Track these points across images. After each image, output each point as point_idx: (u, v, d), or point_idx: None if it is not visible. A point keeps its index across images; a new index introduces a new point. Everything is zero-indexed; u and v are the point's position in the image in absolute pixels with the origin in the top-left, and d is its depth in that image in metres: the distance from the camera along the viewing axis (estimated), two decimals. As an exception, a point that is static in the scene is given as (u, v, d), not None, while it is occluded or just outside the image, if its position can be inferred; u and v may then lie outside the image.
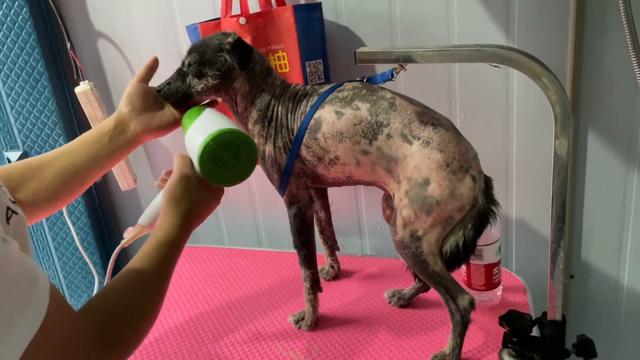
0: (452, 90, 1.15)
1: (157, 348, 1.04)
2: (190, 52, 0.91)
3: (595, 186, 1.14)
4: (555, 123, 0.71)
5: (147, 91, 0.90)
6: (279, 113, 0.92)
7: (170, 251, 0.70)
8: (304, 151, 0.91)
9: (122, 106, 0.89)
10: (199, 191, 0.77)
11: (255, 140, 0.96)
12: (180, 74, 0.92)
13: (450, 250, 0.83)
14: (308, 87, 0.94)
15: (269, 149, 0.94)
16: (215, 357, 0.99)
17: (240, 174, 0.76)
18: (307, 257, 0.99)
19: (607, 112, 1.07)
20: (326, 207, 1.13)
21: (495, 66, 0.73)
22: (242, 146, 0.74)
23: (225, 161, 0.73)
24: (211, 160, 0.73)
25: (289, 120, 0.92)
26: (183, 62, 0.92)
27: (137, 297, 0.63)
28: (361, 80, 0.91)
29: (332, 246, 1.18)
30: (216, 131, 0.72)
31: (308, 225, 0.97)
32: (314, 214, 0.99)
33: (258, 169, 1.36)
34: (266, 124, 0.93)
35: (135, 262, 0.66)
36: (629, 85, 1.03)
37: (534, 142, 1.14)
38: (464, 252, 0.83)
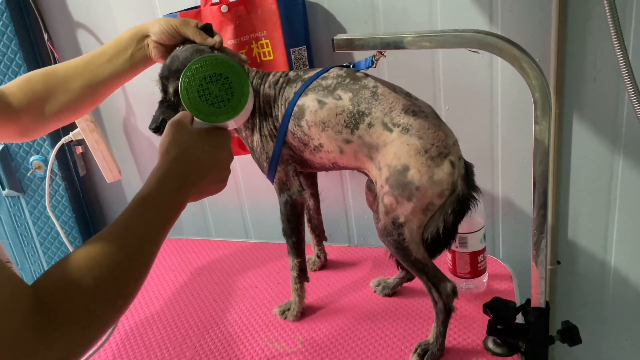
0: (436, 79, 1.14)
1: (141, 341, 1.03)
2: (168, 77, 0.87)
3: (581, 171, 1.13)
4: (535, 109, 0.70)
5: (176, 38, 0.88)
6: (261, 103, 0.92)
7: (144, 209, 0.59)
8: (290, 137, 0.91)
9: (150, 31, 0.87)
10: (195, 137, 0.66)
11: (243, 134, 0.95)
12: (168, 105, 0.88)
13: (431, 236, 0.83)
14: (291, 73, 0.93)
15: (256, 139, 0.94)
16: (200, 350, 0.99)
17: (232, 105, 0.66)
18: (296, 245, 0.99)
19: (592, 97, 1.06)
20: (315, 195, 1.12)
21: (475, 51, 0.72)
22: (227, 72, 0.65)
23: (210, 91, 0.65)
24: (191, 92, 0.65)
25: (273, 108, 0.91)
26: (166, 91, 0.88)
27: (90, 268, 0.51)
28: (347, 67, 0.90)
29: (320, 236, 1.18)
30: (195, 60, 0.66)
31: (298, 212, 0.97)
32: (304, 202, 0.98)
33: (244, 161, 1.36)
34: (249, 116, 0.92)
35: (110, 226, 0.57)
36: (613, 69, 1.02)
37: (518, 128, 1.13)
38: (445, 238, 0.83)
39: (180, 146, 0.65)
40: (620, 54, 0.88)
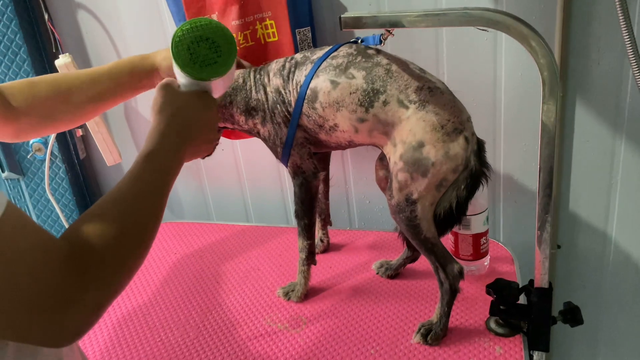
0: (439, 62, 1.14)
1: (144, 322, 1.03)
2: None
3: (583, 155, 1.13)
4: (543, 87, 0.70)
5: None
6: (269, 94, 0.92)
7: (151, 163, 0.63)
8: (304, 120, 0.91)
9: (160, 68, 0.87)
10: (186, 98, 0.71)
11: (254, 131, 0.97)
12: None
13: (443, 211, 0.83)
14: (297, 55, 0.93)
15: (268, 128, 0.94)
16: (203, 329, 0.99)
17: (220, 63, 0.70)
18: (307, 227, 0.99)
19: (595, 80, 1.06)
20: (326, 180, 1.12)
21: (483, 29, 0.72)
22: (213, 35, 0.69)
23: (199, 52, 0.69)
24: (184, 48, 0.69)
25: (284, 94, 0.91)
26: None
27: (112, 218, 0.55)
28: (355, 42, 0.90)
29: (325, 220, 1.18)
30: (185, 23, 0.70)
31: (312, 195, 0.97)
32: (319, 185, 0.99)
33: (244, 144, 1.35)
34: (254, 113, 0.94)
35: (120, 182, 0.60)
36: (616, 53, 1.03)
37: (521, 112, 1.13)
38: (457, 213, 0.84)
39: (174, 106, 0.69)
40: (626, 37, 0.88)
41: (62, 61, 1.26)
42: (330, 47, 0.90)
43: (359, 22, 0.76)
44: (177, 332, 0.99)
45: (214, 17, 1.12)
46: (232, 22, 1.10)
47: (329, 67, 0.87)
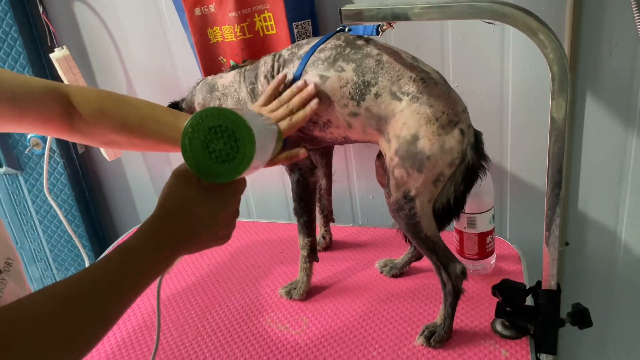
0: (445, 54, 1.10)
1: (143, 322, 1.02)
2: None
3: (593, 150, 1.10)
4: (553, 83, 0.66)
5: None
6: (257, 96, 0.90)
7: (124, 263, 0.55)
8: None
9: None
10: (195, 194, 0.59)
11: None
12: None
13: (441, 206, 0.81)
14: (284, 52, 0.89)
15: None
16: (203, 331, 0.97)
17: (234, 166, 0.57)
18: (307, 224, 0.97)
19: (607, 73, 1.02)
20: (328, 175, 1.10)
21: (490, 23, 0.68)
22: (232, 127, 0.56)
23: (213, 148, 0.57)
24: (194, 147, 0.56)
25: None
26: None
27: (49, 318, 0.47)
28: (342, 31, 0.86)
29: (327, 216, 1.16)
30: (199, 112, 0.57)
31: (310, 192, 0.95)
32: (317, 181, 0.97)
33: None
34: None
35: (85, 269, 0.53)
36: (629, 44, 0.98)
37: (529, 106, 1.09)
38: (455, 207, 0.81)
39: (177, 200, 0.59)
40: None
41: (61, 54, 1.23)
42: (318, 39, 0.87)
43: (359, 15, 0.73)
44: (175, 332, 0.98)
45: (211, 8, 1.09)
46: (228, 14, 1.07)
47: (317, 61, 0.84)
